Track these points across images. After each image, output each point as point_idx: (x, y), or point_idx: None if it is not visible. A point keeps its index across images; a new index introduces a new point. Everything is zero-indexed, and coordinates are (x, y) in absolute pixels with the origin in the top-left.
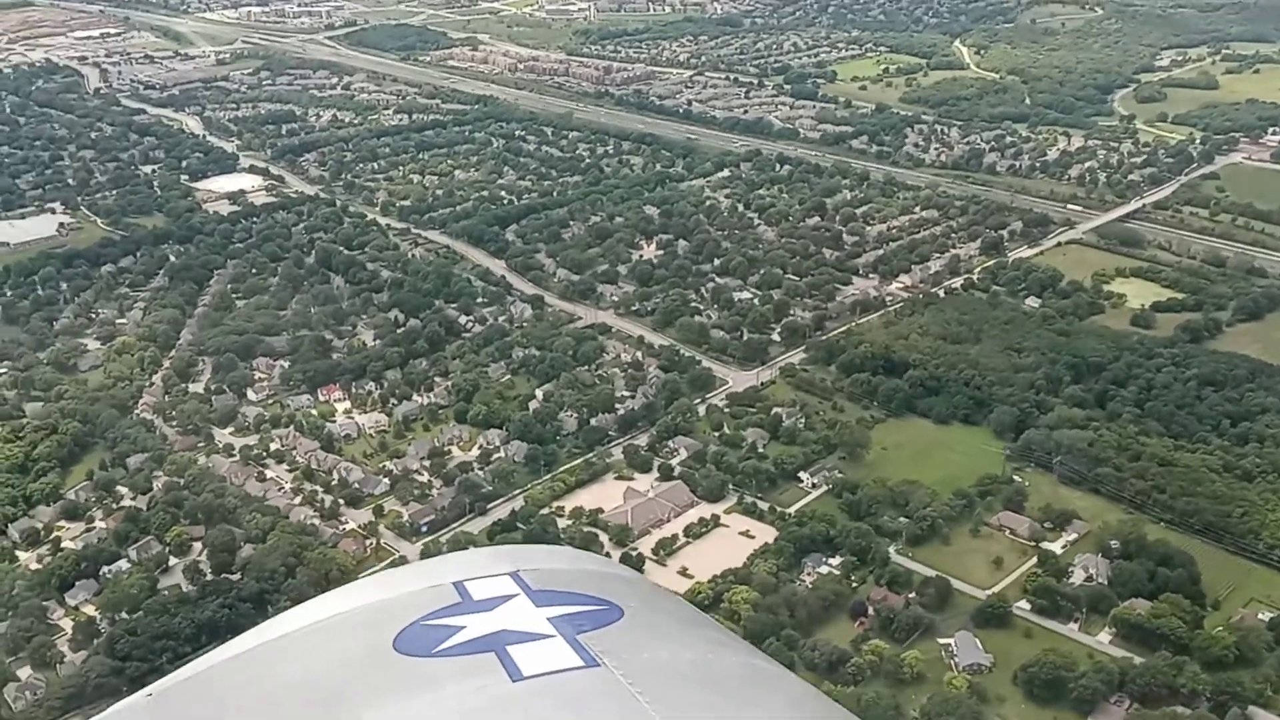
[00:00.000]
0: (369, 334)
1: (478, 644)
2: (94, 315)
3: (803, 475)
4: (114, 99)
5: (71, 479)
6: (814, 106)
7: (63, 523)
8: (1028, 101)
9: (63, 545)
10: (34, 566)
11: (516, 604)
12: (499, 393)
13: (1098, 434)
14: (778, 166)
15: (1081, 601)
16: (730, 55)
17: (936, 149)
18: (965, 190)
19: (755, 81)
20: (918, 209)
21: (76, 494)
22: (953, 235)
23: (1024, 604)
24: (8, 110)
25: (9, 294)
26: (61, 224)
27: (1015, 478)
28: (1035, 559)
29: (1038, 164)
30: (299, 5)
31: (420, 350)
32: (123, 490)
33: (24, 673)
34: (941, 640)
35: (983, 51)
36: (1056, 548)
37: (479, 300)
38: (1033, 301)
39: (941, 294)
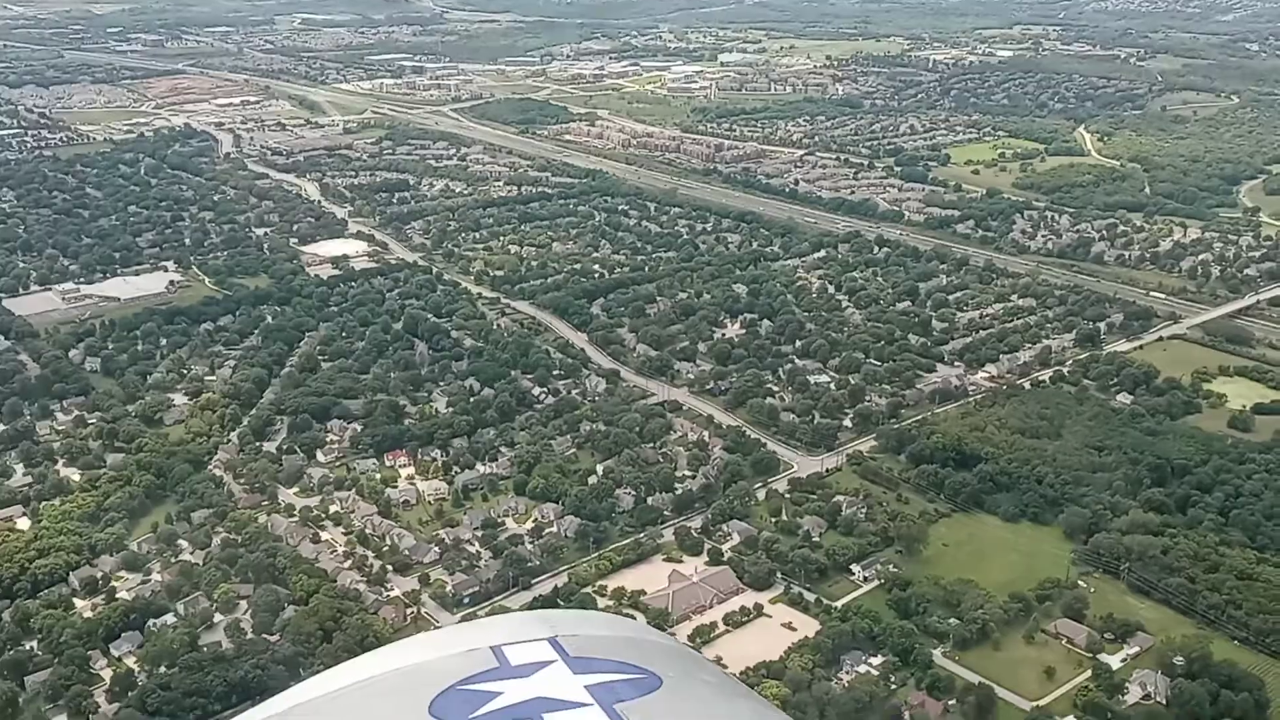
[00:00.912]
0: (442, 401)
1: (514, 711)
2: (185, 371)
3: (854, 568)
4: (241, 164)
5: (139, 530)
6: (922, 189)
7: (122, 573)
8: (1147, 190)
9: (117, 596)
10: (87, 615)
11: (554, 670)
12: (560, 466)
13: (1174, 541)
14: (875, 249)
15: None
16: (844, 136)
17: (1044, 236)
18: (1069, 279)
19: (866, 163)
20: (1014, 297)
21: (139, 545)
22: (1047, 325)
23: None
24: (142, 172)
25: (111, 348)
26: (172, 281)
27: (1080, 583)
28: (1090, 671)
29: (1148, 255)
30: (430, 78)
31: (489, 420)
32: (183, 544)
33: None
34: None
35: (1106, 138)
36: (1115, 660)
37: (555, 372)
38: (1124, 398)
39: (1027, 386)
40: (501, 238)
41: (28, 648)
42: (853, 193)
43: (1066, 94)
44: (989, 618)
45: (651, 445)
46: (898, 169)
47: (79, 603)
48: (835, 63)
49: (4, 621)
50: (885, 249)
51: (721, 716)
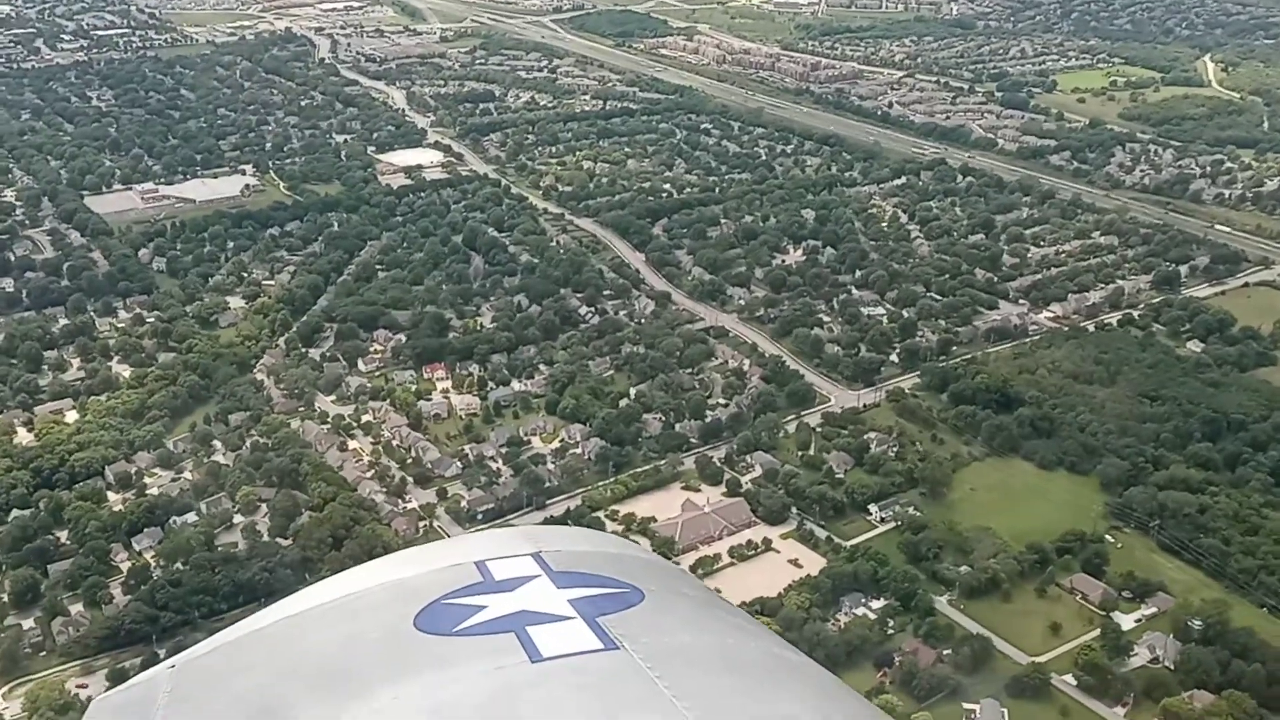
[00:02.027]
0: (489, 316)
1: (498, 624)
2: (246, 275)
3: (872, 508)
4: (334, 69)
5: (179, 429)
6: (1021, 117)
7: (156, 470)
8: (1265, 125)
9: (146, 492)
10: (117, 509)
11: (537, 585)
12: (594, 387)
13: (1214, 500)
14: (959, 178)
15: (1135, 685)
16: (949, 58)
17: (1142, 170)
18: (1159, 218)
19: (966, 87)
20: (1096, 234)
21: (175, 444)
22: (1125, 265)
23: (1069, 678)
24: (238, 75)
25: (179, 249)
26: (247, 185)
27: (1108, 538)
28: (1099, 630)
29: (1250, 195)
30: None
31: (531, 337)
32: (217, 445)
33: (75, 609)
34: (966, 705)
35: (1230, 69)
36: (1129, 620)
37: (605, 292)
38: (1194, 345)
39: (1091, 328)
40: (577, 153)
41: (56, 537)
42: (948, 118)
43: (1196, 20)
44: (1000, 567)
45: (689, 371)
46: (998, 95)
47: (111, 496)
48: None
49: (39, 510)
50: (969, 178)
51: (702, 630)
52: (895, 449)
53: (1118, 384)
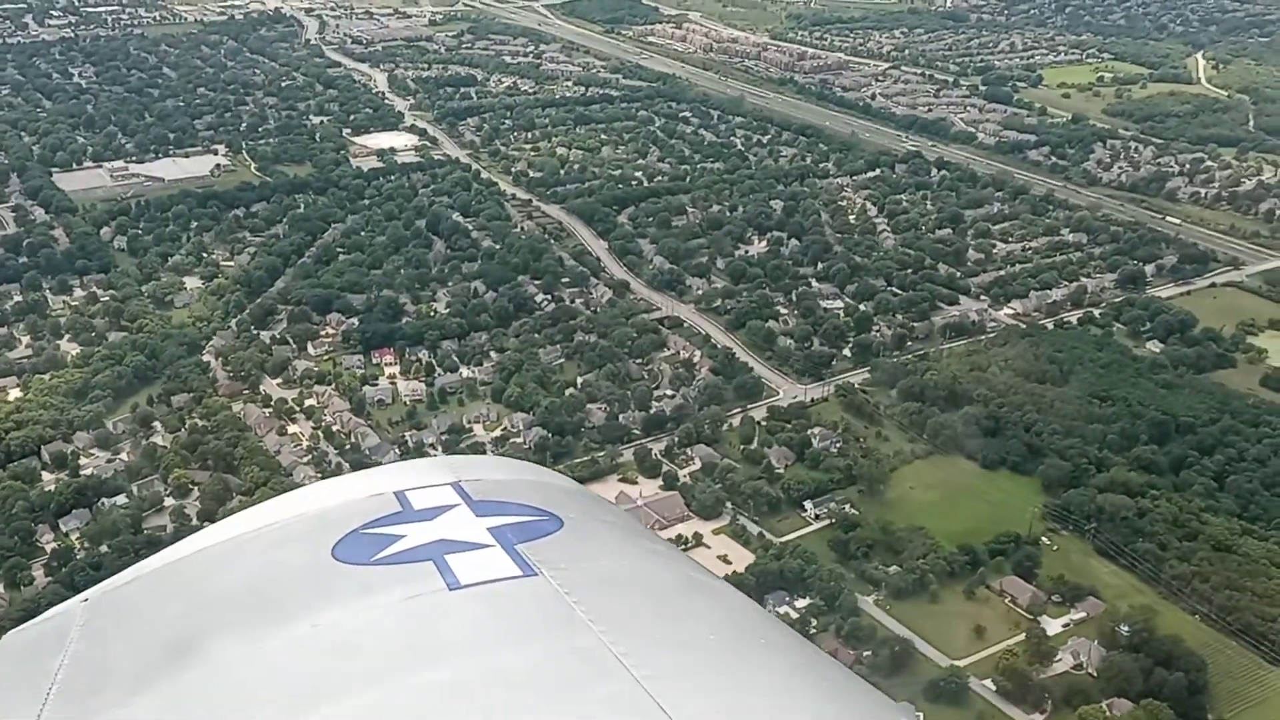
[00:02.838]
0: (444, 302)
1: (416, 553)
2: (206, 255)
3: (807, 504)
4: (319, 50)
5: (121, 410)
6: (1004, 111)
7: (94, 450)
8: (1250, 124)
9: (80, 472)
10: (50, 489)
11: (457, 514)
12: (540, 376)
13: (1154, 503)
14: (934, 171)
15: (1055, 691)
16: (936, 51)
17: (1120, 168)
18: (1132, 215)
19: (951, 80)
20: (1066, 231)
21: (115, 425)
22: (1090, 263)
23: (989, 683)
24: (221, 54)
25: (141, 227)
26: (218, 165)
27: (1044, 540)
28: (1024, 634)
29: (1225, 194)
30: None
31: (483, 324)
32: (157, 426)
33: None
34: None
35: (1221, 66)
36: (1056, 625)
37: (563, 280)
38: (1153, 346)
39: (1050, 326)
40: (552, 139)
41: None
42: (930, 111)
43: (1190, 16)
44: (930, 568)
45: (639, 361)
46: (982, 88)
47: (46, 476)
48: None
49: None
50: (943, 172)
51: (620, 555)
52: (838, 445)
53: (1070, 384)
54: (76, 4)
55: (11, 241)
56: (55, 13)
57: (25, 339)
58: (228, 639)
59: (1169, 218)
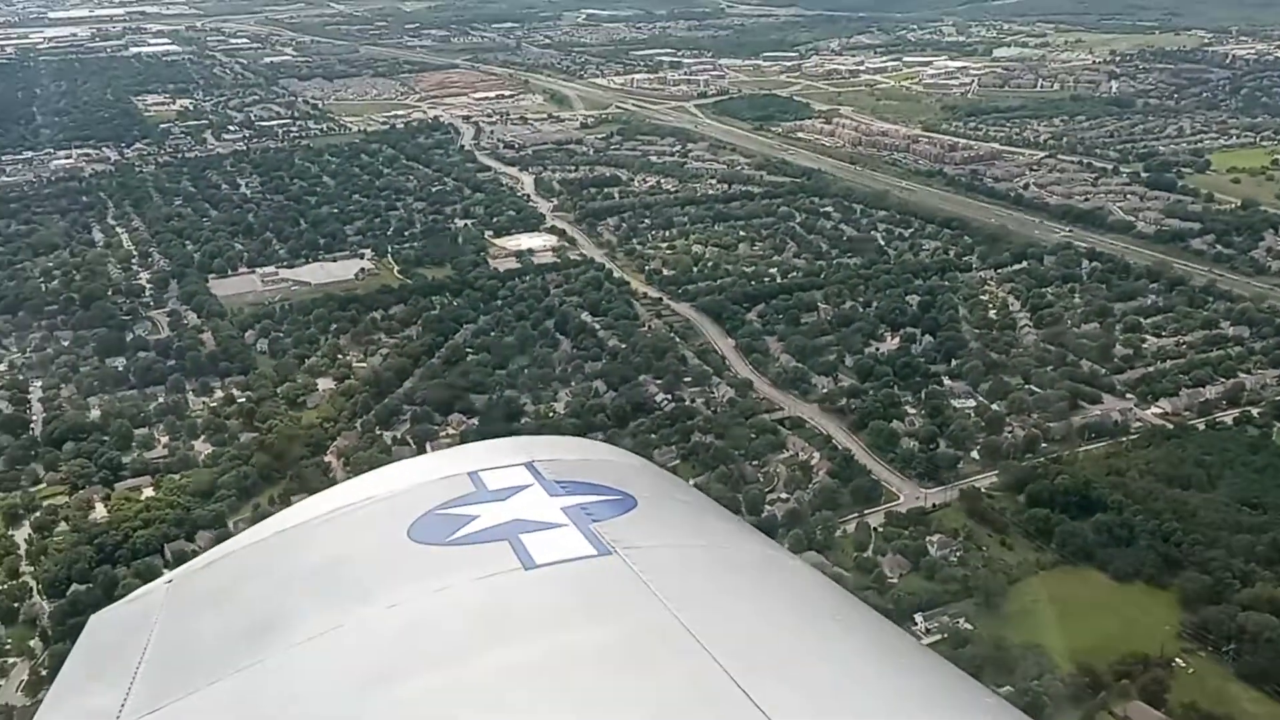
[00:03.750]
0: (563, 402)
1: (491, 533)
2: (340, 356)
3: (918, 617)
4: (472, 156)
5: (245, 509)
6: (1167, 198)
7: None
8: None
9: None
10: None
11: (531, 493)
12: None
13: None
14: (1084, 263)
15: None
16: (1097, 138)
17: None
18: None
19: (1111, 167)
20: (1226, 324)
21: (236, 524)
22: (1251, 358)
23: None
24: (379, 162)
25: (283, 330)
26: (362, 269)
27: (1178, 661)
28: None
29: None
30: (682, 74)
31: (600, 424)
32: None
33: None
34: None
35: None
36: None
37: (685, 379)
38: None
39: (1201, 426)
40: (689, 237)
41: None
42: (1086, 199)
43: None
44: (1044, 690)
45: (754, 463)
46: (1145, 175)
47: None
48: (1116, 58)
49: (94, 586)
50: (1095, 263)
51: (695, 534)
52: (958, 554)
53: (1217, 489)
54: (252, 119)
55: (162, 345)
56: (232, 128)
57: (164, 439)
58: (306, 619)
59: None
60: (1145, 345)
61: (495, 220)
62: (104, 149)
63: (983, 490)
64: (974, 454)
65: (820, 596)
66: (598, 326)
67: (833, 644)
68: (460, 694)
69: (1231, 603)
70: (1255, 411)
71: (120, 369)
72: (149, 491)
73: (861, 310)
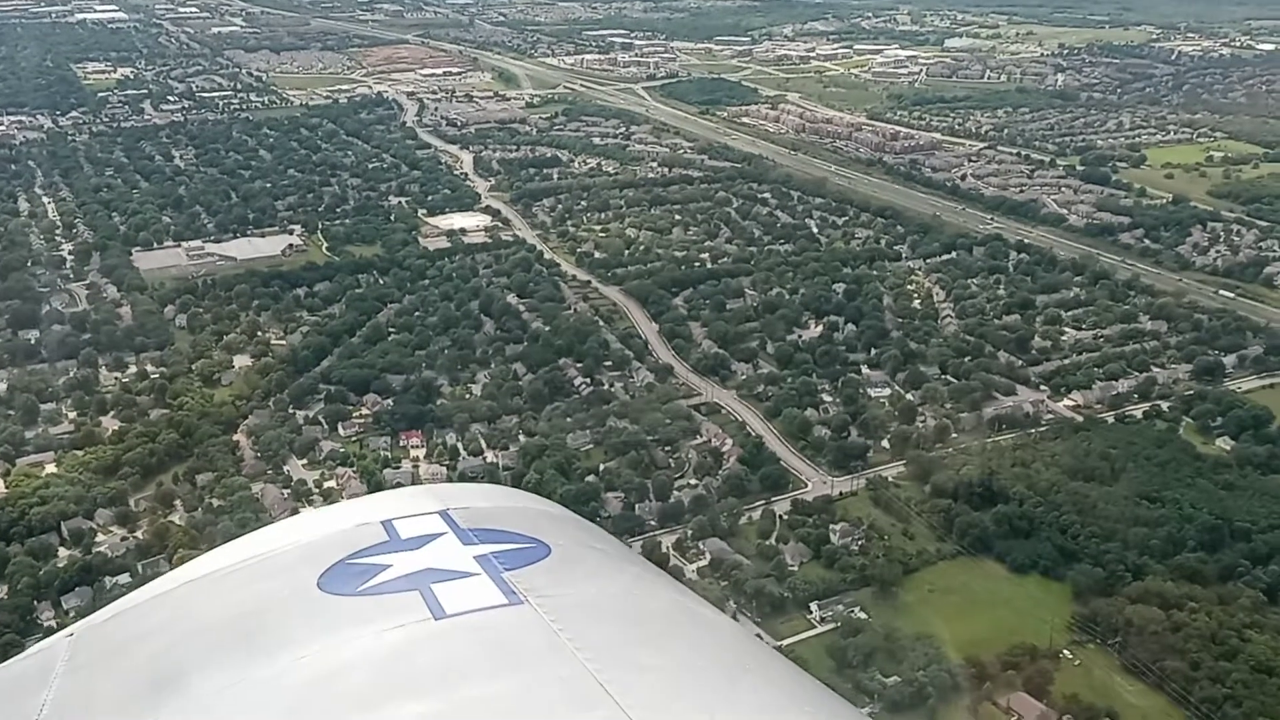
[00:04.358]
0: (480, 384)
1: (402, 582)
2: (259, 334)
3: (813, 606)
4: (413, 133)
5: (149, 487)
6: (1101, 192)
7: (113, 528)
8: None
9: (94, 550)
10: (61, 565)
11: (443, 542)
12: (560, 462)
13: (1192, 617)
14: (1012, 254)
15: None
16: (1037, 130)
17: (1218, 252)
18: (1225, 303)
19: (1048, 160)
20: (1145, 318)
21: (138, 502)
22: (1165, 352)
23: None
24: (318, 137)
25: (203, 305)
26: (290, 245)
27: (1066, 653)
28: None
29: None
30: (634, 55)
31: (516, 407)
32: (178, 505)
33: None
34: None
35: None
36: None
37: (606, 363)
38: (1224, 443)
39: (1111, 419)
40: (624, 220)
41: None
42: (1021, 191)
43: None
44: (930, 680)
45: (667, 449)
46: (1080, 169)
47: (63, 552)
48: (1065, 51)
49: None
50: (1022, 255)
51: (608, 582)
52: (860, 543)
53: (1119, 482)
54: (193, 90)
55: (78, 319)
56: (171, 98)
57: (72, 415)
58: (212, 672)
59: (1267, 305)
60: (1064, 338)
61: (430, 199)
62: (38, 116)
63: (890, 479)
64: (885, 443)
65: (732, 646)
66: (523, 308)
67: (743, 693)
68: None
69: (1122, 595)
70: (1165, 406)
71: (33, 342)
72: (51, 468)
73: (788, 297)
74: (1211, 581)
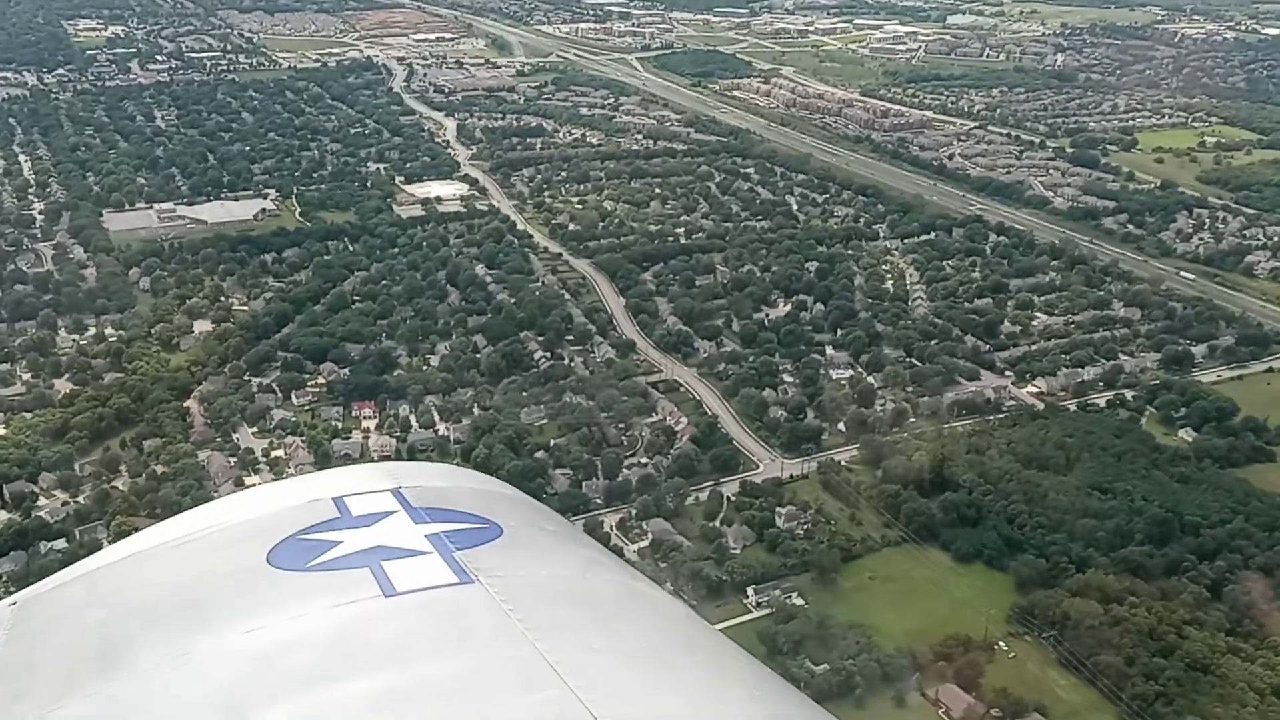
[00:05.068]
0: (439, 356)
1: (353, 559)
2: (221, 299)
3: (749, 590)
4: (399, 99)
5: (96, 452)
6: (1088, 175)
7: (56, 492)
8: None
9: (33, 514)
10: None
11: (395, 520)
12: (510, 437)
13: (1131, 612)
14: (991, 236)
15: None
16: (1030, 111)
17: (1201, 239)
18: (1202, 290)
19: (1038, 141)
20: (1119, 305)
21: (83, 467)
22: (1135, 341)
23: None
24: (302, 100)
25: (169, 269)
26: (263, 209)
27: (1001, 645)
28: None
29: None
30: (631, 25)
31: (472, 380)
32: (123, 471)
33: None
34: None
35: None
36: None
37: (567, 338)
38: (1186, 434)
39: (1073, 407)
40: (603, 192)
41: None
42: (1009, 173)
43: None
44: (858, 669)
45: (620, 426)
46: (1070, 151)
47: (3, 515)
48: (1066, 30)
49: None
50: (1001, 237)
51: (558, 563)
52: (805, 527)
53: (1073, 471)
54: (183, 50)
55: (41, 279)
56: (160, 58)
57: (26, 377)
58: (157, 645)
59: (1244, 294)
60: (1034, 323)
61: (408, 166)
62: (23, 73)
63: (842, 463)
64: (841, 426)
65: (681, 629)
66: (489, 280)
67: (689, 675)
68: None
69: (1062, 588)
70: (1129, 395)
71: None
72: (0, 429)
73: (759, 275)
74: (1156, 576)
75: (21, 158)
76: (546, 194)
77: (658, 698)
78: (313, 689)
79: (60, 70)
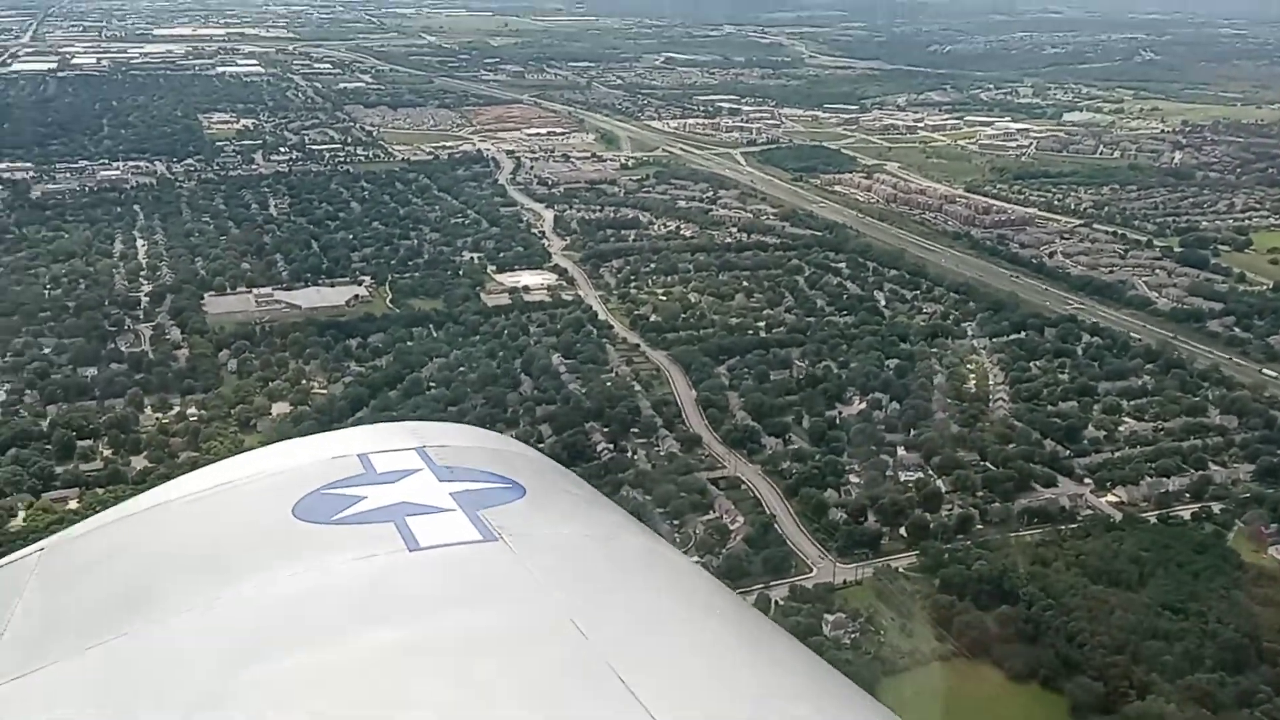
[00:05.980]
0: None
1: (378, 514)
2: (303, 382)
3: None
4: (503, 190)
5: None
6: (1198, 276)
7: None
8: None
9: None
10: None
11: (420, 478)
12: None
13: None
14: (1084, 337)
15: None
16: (1140, 208)
17: None
18: None
19: (1146, 240)
20: (1215, 412)
21: None
22: (1227, 450)
23: None
24: (410, 191)
25: (256, 351)
26: (356, 296)
27: None
28: None
29: None
30: (739, 120)
31: None
32: None
33: None
34: None
35: None
36: None
37: (632, 430)
38: (1277, 553)
39: (1153, 519)
40: (688, 284)
41: None
42: (1111, 272)
43: None
44: None
45: (674, 524)
46: (1179, 250)
47: None
48: (1186, 128)
49: None
50: (1095, 339)
51: (581, 525)
52: (853, 636)
53: (1145, 588)
54: (305, 142)
55: (135, 358)
56: (283, 149)
57: (106, 453)
58: (181, 594)
59: None
60: (1121, 429)
61: (501, 255)
62: (155, 162)
63: (900, 570)
64: (902, 530)
65: (701, 591)
66: (563, 369)
67: (711, 637)
68: (334, 673)
69: (1119, 714)
70: (1217, 508)
71: (89, 379)
72: (73, 504)
73: (835, 371)
74: (1225, 707)
75: (140, 242)
76: (633, 285)
77: (682, 659)
78: (334, 640)
79: (189, 160)
